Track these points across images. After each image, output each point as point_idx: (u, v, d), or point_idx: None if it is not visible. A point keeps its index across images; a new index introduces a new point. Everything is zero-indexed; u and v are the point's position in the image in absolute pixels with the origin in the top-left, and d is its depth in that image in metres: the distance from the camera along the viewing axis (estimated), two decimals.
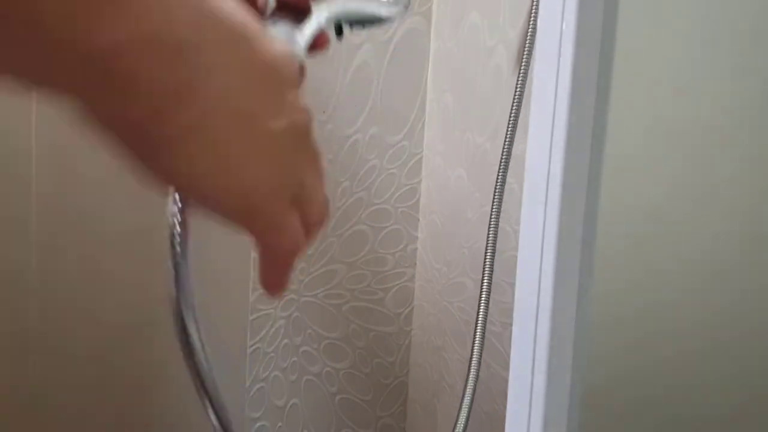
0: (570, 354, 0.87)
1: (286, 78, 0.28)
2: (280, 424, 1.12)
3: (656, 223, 1.24)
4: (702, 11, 1.21)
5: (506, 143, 0.92)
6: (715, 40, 1.25)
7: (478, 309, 0.91)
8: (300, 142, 0.29)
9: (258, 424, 1.10)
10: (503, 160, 0.93)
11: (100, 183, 0.95)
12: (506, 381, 0.93)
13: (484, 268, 0.94)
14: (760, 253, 1.25)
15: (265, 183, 0.28)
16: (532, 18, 0.89)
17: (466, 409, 0.87)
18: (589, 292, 0.89)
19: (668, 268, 1.24)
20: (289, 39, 0.36)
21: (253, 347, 1.07)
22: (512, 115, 0.91)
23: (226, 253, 1.03)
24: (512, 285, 0.92)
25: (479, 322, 0.91)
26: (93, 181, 0.94)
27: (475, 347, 0.89)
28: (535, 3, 0.88)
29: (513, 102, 0.91)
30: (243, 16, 0.26)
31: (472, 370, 0.89)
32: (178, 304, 0.34)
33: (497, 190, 0.93)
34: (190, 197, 0.29)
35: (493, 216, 0.95)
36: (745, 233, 1.27)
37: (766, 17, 1.20)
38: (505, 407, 0.93)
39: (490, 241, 0.94)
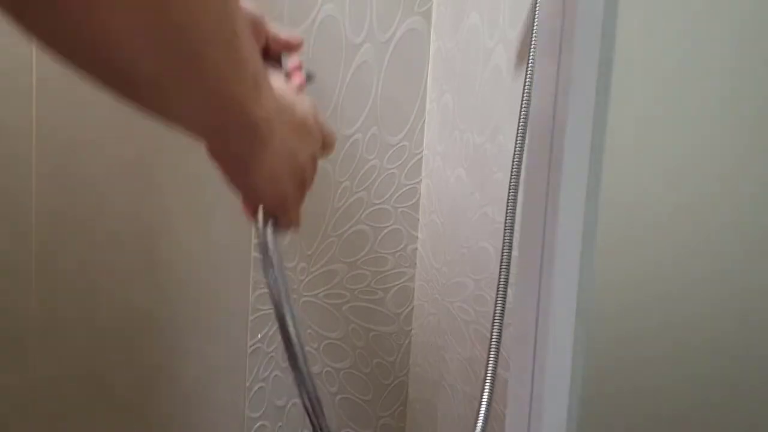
0: (570, 354, 0.87)
1: (311, 125, 0.48)
2: (280, 424, 1.12)
3: (658, 221, 1.24)
4: (704, 8, 1.21)
5: (517, 148, 0.92)
6: (717, 37, 1.25)
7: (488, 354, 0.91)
8: (315, 164, 0.50)
9: (258, 424, 1.10)
10: (514, 170, 0.93)
11: (100, 182, 0.95)
12: (506, 381, 0.93)
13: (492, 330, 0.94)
14: (761, 251, 1.25)
15: (293, 191, 0.47)
16: (537, 17, 0.89)
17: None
18: (589, 292, 0.89)
19: (670, 267, 1.24)
20: (281, 82, 0.52)
21: (253, 347, 1.07)
22: (521, 119, 0.91)
23: (226, 253, 1.03)
24: (512, 285, 0.92)
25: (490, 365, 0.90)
26: (93, 180, 0.94)
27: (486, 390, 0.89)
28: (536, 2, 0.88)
29: (521, 106, 0.91)
30: (286, 90, 0.46)
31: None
32: (278, 304, 0.46)
33: (508, 217, 0.92)
34: (254, 199, 0.46)
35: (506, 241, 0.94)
36: (747, 232, 1.27)
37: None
38: (505, 408, 0.93)
39: (501, 279, 0.93)
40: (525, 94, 0.90)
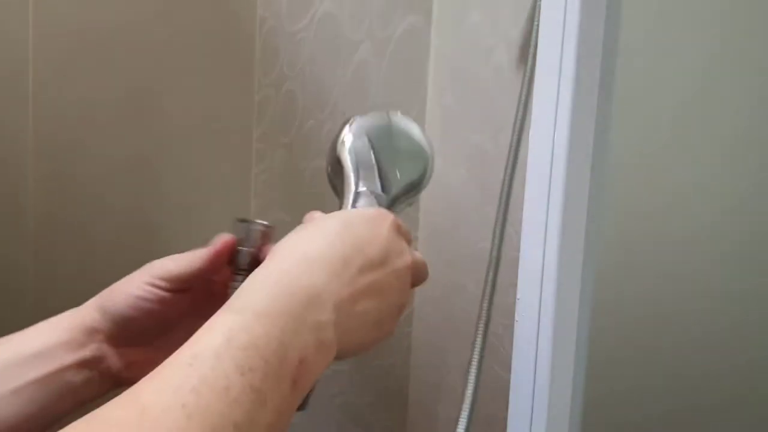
0: (572, 356, 0.86)
1: (393, 282, 0.47)
2: None
3: (659, 221, 1.24)
4: (704, 10, 1.21)
5: (513, 145, 0.91)
6: (716, 38, 1.25)
7: (480, 313, 0.90)
8: (400, 312, 0.48)
9: None
10: (510, 164, 0.92)
11: (99, 183, 0.94)
12: (508, 383, 0.93)
13: (488, 273, 0.93)
14: (761, 253, 1.24)
15: (373, 342, 0.47)
16: (537, 17, 0.88)
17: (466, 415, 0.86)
18: (591, 294, 0.88)
19: (672, 270, 1.24)
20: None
21: None
22: (518, 115, 0.90)
23: None
24: (514, 286, 0.92)
25: (480, 327, 0.89)
26: (91, 181, 0.94)
27: (476, 351, 0.88)
28: (537, 2, 0.87)
29: (519, 103, 0.90)
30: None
31: (471, 374, 0.88)
32: None
33: (504, 194, 0.92)
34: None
35: (498, 222, 0.93)
36: (746, 234, 1.26)
37: None
38: (506, 410, 0.92)
39: (495, 245, 0.93)
40: (524, 91, 0.89)
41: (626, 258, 1.16)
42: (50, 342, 0.49)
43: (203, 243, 1.04)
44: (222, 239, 0.52)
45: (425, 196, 1.16)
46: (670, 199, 1.20)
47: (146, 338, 0.51)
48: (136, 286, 0.51)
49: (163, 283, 0.50)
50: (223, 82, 0.99)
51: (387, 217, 0.50)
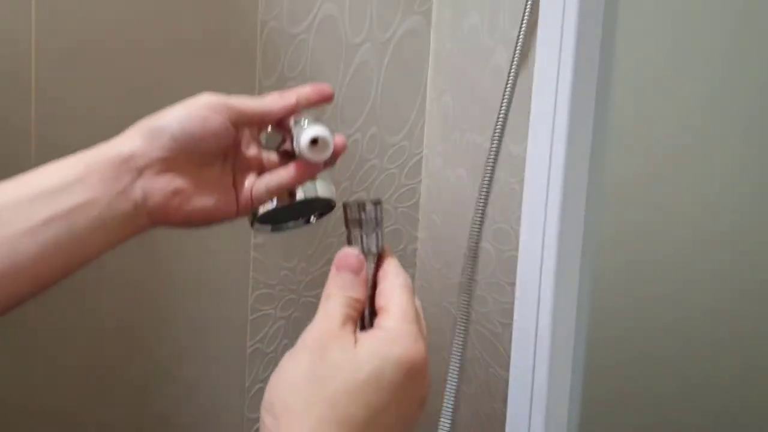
0: (570, 355, 0.87)
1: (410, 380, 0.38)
2: None
3: (658, 221, 1.24)
4: (702, 8, 1.21)
5: (495, 137, 0.92)
6: (725, 42, 1.25)
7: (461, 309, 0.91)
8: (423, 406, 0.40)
9: (258, 425, 1.10)
10: (492, 155, 0.93)
11: None
12: (506, 382, 0.93)
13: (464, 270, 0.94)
14: (760, 253, 1.25)
15: None
16: (527, 16, 0.89)
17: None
18: (589, 293, 0.89)
19: (671, 267, 1.24)
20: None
21: (253, 347, 1.07)
22: (502, 108, 0.91)
23: (225, 253, 1.03)
24: (512, 285, 0.92)
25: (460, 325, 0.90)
26: None
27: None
28: (529, 2, 0.88)
29: (504, 95, 0.91)
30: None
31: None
32: None
33: (484, 184, 0.93)
34: None
35: (478, 213, 0.94)
36: (746, 234, 1.27)
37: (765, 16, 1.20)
38: (505, 408, 0.93)
39: (471, 243, 0.94)
40: (508, 86, 0.90)
41: (626, 259, 1.17)
42: (72, 175, 0.43)
43: (204, 243, 1.05)
44: (286, 98, 0.49)
45: (425, 195, 1.17)
46: (671, 200, 1.21)
47: (198, 161, 0.47)
48: (200, 106, 0.49)
49: (225, 111, 0.48)
50: (224, 83, 1.00)
51: (422, 364, 0.38)
